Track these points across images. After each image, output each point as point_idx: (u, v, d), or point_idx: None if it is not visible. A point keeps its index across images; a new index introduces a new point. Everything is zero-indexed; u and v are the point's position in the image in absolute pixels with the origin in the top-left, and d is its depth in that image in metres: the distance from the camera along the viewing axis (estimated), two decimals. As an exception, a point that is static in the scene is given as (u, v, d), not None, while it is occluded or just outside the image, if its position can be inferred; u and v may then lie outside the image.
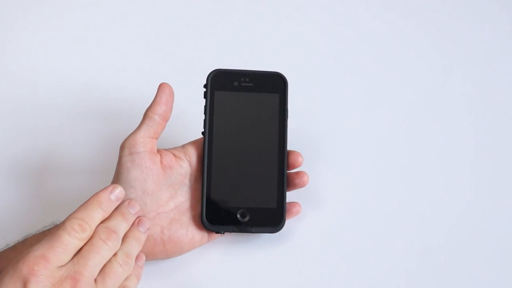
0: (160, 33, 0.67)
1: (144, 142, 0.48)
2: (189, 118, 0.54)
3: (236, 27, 0.68)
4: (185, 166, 0.50)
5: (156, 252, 0.49)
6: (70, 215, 0.41)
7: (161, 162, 0.48)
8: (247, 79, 0.50)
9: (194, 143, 0.51)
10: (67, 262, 0.39)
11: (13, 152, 0.59)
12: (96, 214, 0.41)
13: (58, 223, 0.48)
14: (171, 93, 0.49)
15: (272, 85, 0.51)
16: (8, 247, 0.48)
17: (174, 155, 0.49)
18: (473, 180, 0.58)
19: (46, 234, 0.47)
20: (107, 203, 0.42)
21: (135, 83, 0.63)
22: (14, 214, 0.55)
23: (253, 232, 0.49)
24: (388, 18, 0.68)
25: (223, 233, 0.50)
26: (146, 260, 0.49)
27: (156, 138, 0.49)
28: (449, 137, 0.60)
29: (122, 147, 0.48)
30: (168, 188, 0.49)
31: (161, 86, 0.49)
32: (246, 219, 0.49)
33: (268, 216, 0.49)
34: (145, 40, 0.66)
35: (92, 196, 0.42)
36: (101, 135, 0.59)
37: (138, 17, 0.68)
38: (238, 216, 0.49)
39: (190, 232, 0.50)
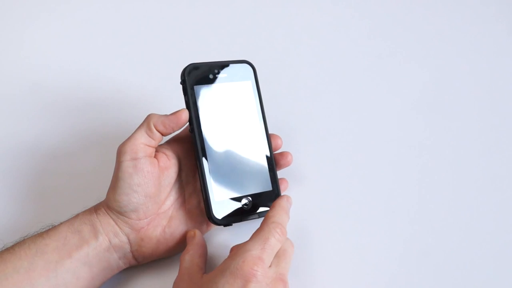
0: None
1: (144, 148, 0.47)
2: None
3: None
4: (176, 164, 0.50)
5: (160, 251, 0.49)
6: (269, 218, 0.46)
7: (158, 165, 0.48)
8: (220, 70, 0.51)
9: (177, 137, 0.52)
10: (271, 263, 0.44)
11: (11, 152, 0.58)
12: (286, 220, 0.47)
13: (55, 224, 0.48)
14: (183, 122, 0.49)
15: (243, 73, 0.52)
16: (5, 247, 0.47)
17: (165, 154, 0.49)
18: (463, 169, 0.57)
19: (44, 236, 0.46)
20: (288, 209, 0.48)
21: (133, 84, 0.64)
22: (12, 215, 0.54)
23: (258, 217, 0.49)
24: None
25: (232, 225, 0.49)
26: (151, 260, 0.50)
27: (154, 147, 0.49)
28: (445, 123, 0.61)
29: (122, 152, 0.47)
30: (165, 189, 0.49)
31: (180, 111, 0.49)
32: (250, 206, 0.49)
33: (267, 199, 0.50)
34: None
35: (277, 204, 0.48)
36: (99, 136, 0.59)
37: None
38: (243, 205, 0.49)
39: (189, 225, 0.50)
